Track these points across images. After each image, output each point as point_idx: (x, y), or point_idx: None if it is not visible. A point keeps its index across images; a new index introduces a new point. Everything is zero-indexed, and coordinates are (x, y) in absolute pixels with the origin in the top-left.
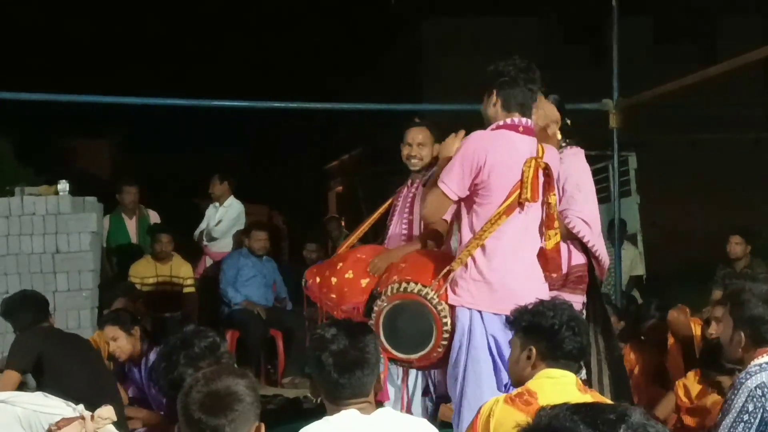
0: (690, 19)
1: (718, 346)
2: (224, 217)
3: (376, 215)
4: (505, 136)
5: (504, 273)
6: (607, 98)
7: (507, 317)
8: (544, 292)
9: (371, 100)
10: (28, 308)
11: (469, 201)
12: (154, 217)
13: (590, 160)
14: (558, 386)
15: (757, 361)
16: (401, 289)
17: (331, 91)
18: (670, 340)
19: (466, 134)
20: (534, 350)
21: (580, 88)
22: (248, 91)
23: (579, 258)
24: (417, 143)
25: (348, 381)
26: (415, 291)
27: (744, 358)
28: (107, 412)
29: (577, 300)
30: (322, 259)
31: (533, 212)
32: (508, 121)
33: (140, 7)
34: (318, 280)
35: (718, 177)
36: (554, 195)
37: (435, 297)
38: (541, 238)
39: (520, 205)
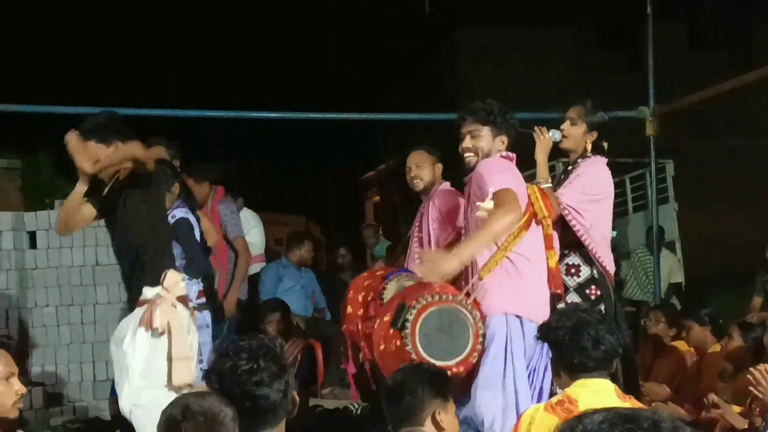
0: (725, 26)
1: None
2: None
3: (406, 240)
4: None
5: (540, 279)
6: (643, 105)
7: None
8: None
9: (407, 110)
10: None
11: None
12: None
13: (628, 167)
14: (596, 394)
15: None
16: (434, 298)
17: (367, 102)
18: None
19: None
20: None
21: (615, 96)
22: (285, 102)
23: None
24: (415, 164)
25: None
26: (449, 298)
27: None
28: (172, 277)
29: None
30: (352, 264)
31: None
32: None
33: (174, 15)
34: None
35: (755, 183)
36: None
37: (468, 304)
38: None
39: (536, 222)
